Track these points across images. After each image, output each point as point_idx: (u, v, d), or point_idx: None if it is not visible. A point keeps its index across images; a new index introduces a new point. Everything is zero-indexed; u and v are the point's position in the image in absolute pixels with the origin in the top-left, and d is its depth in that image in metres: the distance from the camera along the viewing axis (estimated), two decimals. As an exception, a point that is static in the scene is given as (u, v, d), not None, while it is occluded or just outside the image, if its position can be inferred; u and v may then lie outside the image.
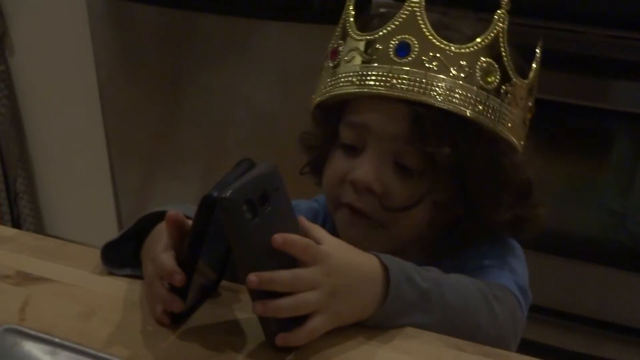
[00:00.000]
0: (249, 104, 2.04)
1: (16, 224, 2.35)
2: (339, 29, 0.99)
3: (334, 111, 0.98)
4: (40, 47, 2.22)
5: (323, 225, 1.10)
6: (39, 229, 2.41)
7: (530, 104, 0.98)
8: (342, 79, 0.95)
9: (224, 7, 1.96)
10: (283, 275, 0.75)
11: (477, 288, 0.88)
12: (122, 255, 0.94)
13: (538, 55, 0.98)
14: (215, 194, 0.73)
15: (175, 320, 0.84)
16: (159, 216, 0.91)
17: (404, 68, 0.91)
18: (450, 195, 0.95)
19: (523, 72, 0.95)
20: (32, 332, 0.60)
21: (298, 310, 0.75)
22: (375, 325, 0.82)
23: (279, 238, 0.75)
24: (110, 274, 0.94)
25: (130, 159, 2.26)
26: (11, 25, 2.21)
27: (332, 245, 0.79)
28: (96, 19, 2.10)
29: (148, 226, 0.92)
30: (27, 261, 0.96)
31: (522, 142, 0.97)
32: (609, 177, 1.77)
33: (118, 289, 0.91)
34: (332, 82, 0.96)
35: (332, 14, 1.82)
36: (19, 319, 0.86)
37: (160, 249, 0.81)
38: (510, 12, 1.58)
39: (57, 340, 0.59)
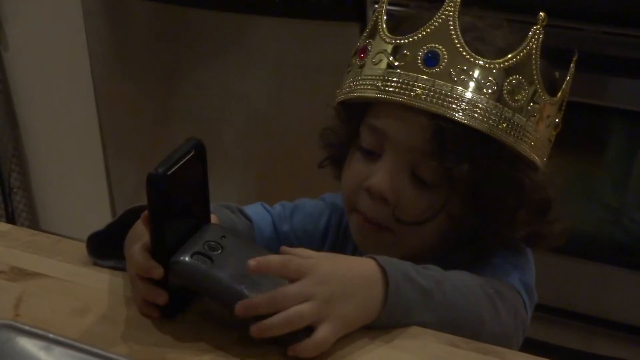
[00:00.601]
0: (244, 100, 2.04)
1: (11, 219, 2.35)
2: (369, 26, 0.97)
3: (357, 110, 0.97)
4: (34, 42, 2.21)
5: (329, 223, 1.11)
6: (34, 224, 2.41)
7: (557, 120, 0.96)
8: (367, 81, 0.93)
9: (218, 2, 1.96)
10: (266, 296, 0.75)
11: (478, 284, 0.87)
12: (107, 247, 0.93)
13: (572, 70, 0.96)
14: (160, 171, 0.75)
15: (166, 313, 0.83)
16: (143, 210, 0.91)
17: (431, 79, 0.89)
18: (465, 210, 0.93)
19: (553, 87, 0.93)
20: (27, 328, 0.60)
21: (292, 324, 0.74)
22: (380, 326, 0.81)
23: (252, 262, 0.75)
24: (96, 264, 0.94)
25: (125, 154, 2.26)
26: (5, 20, 2.20)
27: (319, 256, 0.80)
28: (91, 14, 2.09)
29: (133, 219, 0.91)
30: (21, 256, 0.96)
31: (544, 159, 0.95)
32: (605, 174, 1.77)
33: (113, 285, 0.90)
34: (357, 83, 0.95)
35: (327, 10, 1.83)
36: (14, 314, 0.85)
37: (136, 249, 0.81)
38: (509, 9, 1.59)
39: (51, 335, 0.59)
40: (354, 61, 0.97)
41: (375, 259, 0.81)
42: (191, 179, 0.82)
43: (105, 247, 0.94)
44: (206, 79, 2.06)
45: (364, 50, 0.95)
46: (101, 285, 0.91)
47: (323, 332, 0.75)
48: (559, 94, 0.94)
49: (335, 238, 1.11)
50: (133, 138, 2.23)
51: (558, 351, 1.77)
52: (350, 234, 1.02)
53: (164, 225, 0.79)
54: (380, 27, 0.94)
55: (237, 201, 1.13)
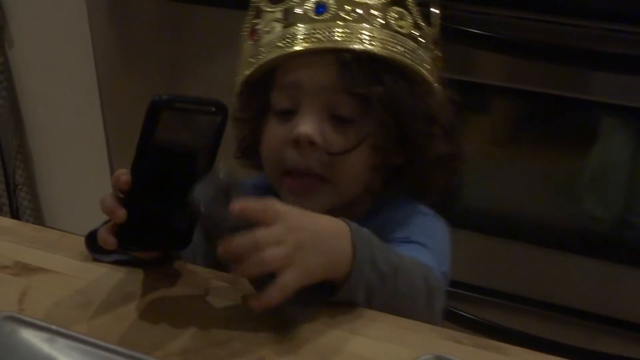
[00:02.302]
0: (248, 97, 2.04)
1: (15, 215, 2.35)
2: (252, 10, 1.03)
3: (262, 83, 1.01)
4: (39, 39, 2.21)
5: None
6: (38, 220, 2.41)
7: (438, 54, 1.04)
8: (267, 48, 0.99)
9: (223, -1, 1.96)
10: (243, 238, 0.76)
11: (422, 276, 0.90)
12: None
13: (438, 11, 1.05)
14: (163, 98, 0.77)
15: (122, 242, 0.83)
16: None
17: (326, 23, 0.96)
18: (387, 138, 0.99)
19: (428, 19, 1.02)
20: (30, 320, 0.60)
21: (265, 265, 0.76)
22: (341, 296, 0.83)
23: (236, 205, 0.76)
24: (97, 261, 0.94)
25: (129, 151, 2.25)
26: (10, 17, 2.21)
27: (290, 207, 0.81)
28: (95, 10, 2.10)
29: None
30: (25, 252, 0.96)
31: (438, 86, 1.03)
32: (600, 169, 1.77)
33: (116, 280, 0.91)
34: (258, 55, 1.00)
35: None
36: (18, 309, 0.86)
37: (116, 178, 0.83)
38: (496, 4, 1.59)
39: (54, 327, 0.60)
40: (246, 45, 1.03)
41: (346, 222, 0.83)
42: (198, 136, 0.81)
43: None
44: (211, 76, 2.06)
45: (253, 30, 1.01)
46: (104, 280, 0.91)
47: (286, 277, 0.77)
48: (434, 24, 1.03)
49: None
50: (137, 135, 2.22)
51: (562, 348, 1.77)
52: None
53: (146, 159, 0.80)
54: (262, 5, 1.01)
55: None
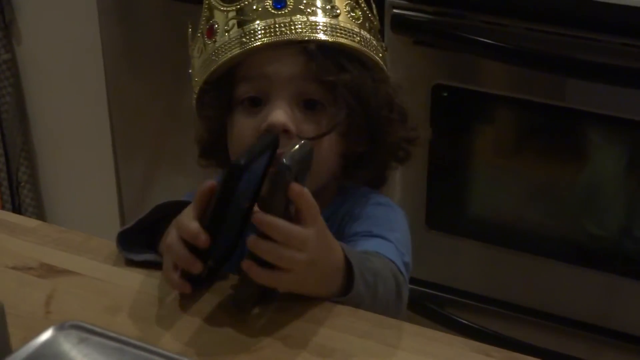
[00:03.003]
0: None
1: (17, 213, 2.34)
2: (205, 10, 1.03)
3: (223, 79, 1.01)
4: (47, 37, 2.20)
5: None
6: (40, 218, 2.40)
7: (384, 46, 1.07)
8: (228, 45, 0.98)
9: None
10: (282, 224, 0.79)
11: (392, 274, 0.94)
12: (137, 242, 0.96)
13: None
14: (243, 162, 0.78)
15: (195, 286, 0.86)
16: (175, 205, 0.94)
17: (287, 17, 0.97)
18: (353, 125, 1.01)
19: (372, 8, 1.06)
20: (98, 329, 0.60)
21: (277, 260, 0.79)
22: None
23: (297, 187, 0.79)
24: (129, 262, 0.95)
25: (135, 151, 2.25)
26: (19, 13, 2.20)
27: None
28: (105, 10, 2.09)
29: (164, 215, 0.95)
30: (50, 253, 0.96)
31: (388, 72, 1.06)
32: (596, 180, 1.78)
33: (144, 284, 0.91)
34: (218, 53, 0.99)
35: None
36: (45, 311, 0.86)
37: (186, 216, 0.85)
38: (480, 10, 1.60)
39: (124, 338, 0.59)
40: (200, 47, 1.03)
41: (345, 253, 0.86)
42: (257, 171, 0.85)
43: (135, 242, 0.95)
44: (218, 78, 2.06)
45: (211, 30, 1.01)
46: (132, 284, 0.91)
47: (282, 278, 0.81)
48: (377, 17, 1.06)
49: None
50: (143, 135, 2.22)
51: (563, 359, 1.78)
52: None
53: (227, 207, 0.83)
54: (216, 4, 1.01)
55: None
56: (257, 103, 0.99)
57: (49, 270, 0.93)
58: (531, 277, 1.83)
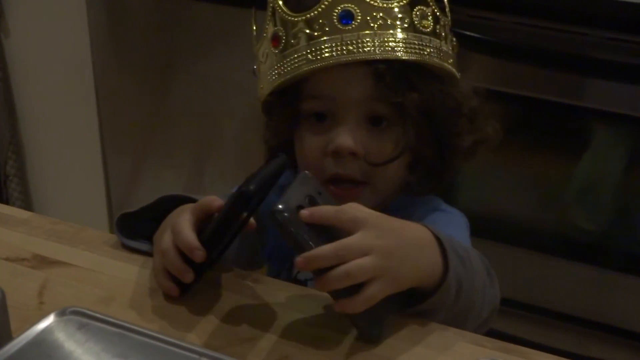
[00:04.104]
0: (244, 94, 2.02)
1: (4, 206, 2.33)
2: (269, 15, 1.00)
3: (290, 92, 1.00)
4: (36, 30, 2.19)
5: None
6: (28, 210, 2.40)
7: (454, 39, 1.03)
8: (295, 60, 0.97)
9: (220, -4, 1.95)
10: (326, 248, 0.75)
11: (478, 256, 0.91)
12: (136, 229, 0.96)
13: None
14: (252, 189, 0.78)
15: (183, 291, 0.86)
16: (180, 200, 0.94)
17: (354, 33, 0.94)
18: (421, 138, 0.99)
19: (444, 8, 1.02)
20: (99, 315, 0.60)
21: (351, 278, 0.74)
22: (430, 306, 0.82)
23: (305, 212, 0.76)
24: (122, 251, 0.95)
25: (123, 145, 2.25)
26: (7, 7, 2.19)
27: (372, 212, 0.80)
28: (94, 6, 2.08)
29: (167, 207, 0.94)
30: (43, 244, 0.96)
31: (459, 74, 1.03)
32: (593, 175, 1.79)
33: (137, 275, 0.91)
34: (284, 66, 0.98)
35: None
36: (38, 302, 0.86)
37: (185, 224, 0.84)
38: (497, 10, 1.61)
39: (125, 323, 0.60)
40: (266, 51, 1.01)
41: (426, 226, 0.83)
42: (263, 193, 0.85)
43: (133, 228, 0.96)
44: (206, 73, 2.06)
45: (276, 37, 0.98)
46: (125, 275, 0.91)
47: (373, 290, 0.76)
48: (448, 12, 1.03)
49: None
50: (131, 129, 2.22)
51: (552, 353, 1.79)
52: None
53: (228, 228, 0.84)
54: (281, 12, 0.98)
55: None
56: (323, 118, 0.99)
57: (41, 261, 0.93)
58: (516, 270, 1.84)
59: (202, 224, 0.85)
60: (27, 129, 2.33)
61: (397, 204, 1.05)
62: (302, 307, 0.86)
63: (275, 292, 0.88)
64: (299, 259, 0.75)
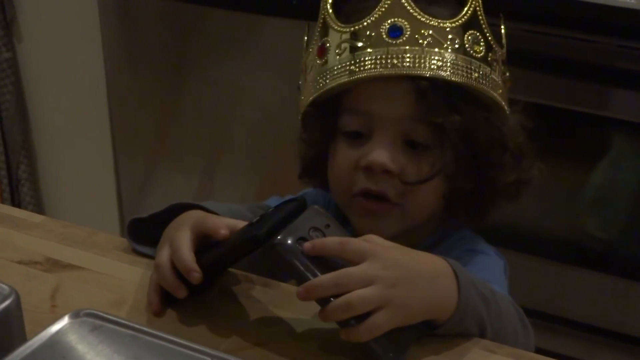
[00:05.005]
0: (255, 100, 2.04)
1: (16, 211, 2.34)
2: (319, 26, 0.98)
3: (330, 105, 0.98)
4: (48, 35, 2.21)
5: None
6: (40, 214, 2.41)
7: (507, 73, 1.00)
8: (337, 70, 0.94)
9: (232, 2, 1.96)
10: (325, 277, 0.74)
11: (510, 303, 0.89)
12: (146, 234, 0.95)
13: (503, 30, 1.01)
14: (263, 232, 0.77)
15: (166, 303, 0.86)
16: (192, 209, 0.93)
17: (401, 47, 0.92)
18: (459, 167, 0.96)
19: (500, 39, 0.99)
20: (112, 317, 0.61)
21: (353, 308, 0.73)
22: (446, 331, 0.81)
23: (308, 245, 0.75)
24: (133, 255, 0.95)
25: (134, 150, 2.26)
26: (20, 11, 2.20)
27: (385, 243, 0.79)
28: (106, 9, 2.10)
29: (178, 215, 0.93)
30: (55, 248, 0.97)
31: (509, 109, 0.99)
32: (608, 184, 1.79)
33: (146, 278, 0.90)
34: (326, 76, 0.96)
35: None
36: (50, 305, 0.87)
37: (184, 242, 0.83)
38: (517, 18, 1.61)
39: (137, 325, 0.60)
40: (311, 63, 0.99)
41: (444, 259, 0.81)
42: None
43: (143, 233, 0.95)
44: (218, 78, 2.06)
45: (322, 48, 0.96)
46: (136, 278, 0.91)
47: (378, 319, 0.74)
48: (504, 45, 0.99)
49: None
50: (143, 134, 2.23)
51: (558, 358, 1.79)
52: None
53: (231, 261, 0.84)
54: (330, 22, 0.96)
55: (243, 201, 1.14)
56: (359, 136, 0.96)
57: (54, 265, 0.93)
58: (525, 277, 1.83)
59: (202, 242, 0.84)
60: (39, 133, 2.35)
61: (432, 241, 1.02)
62: (313, 312, 0.86)
63: (286, 296, 0.88)
64: (299, 289, 0.74)
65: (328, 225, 0.80)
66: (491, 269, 1.01)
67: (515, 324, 0.88)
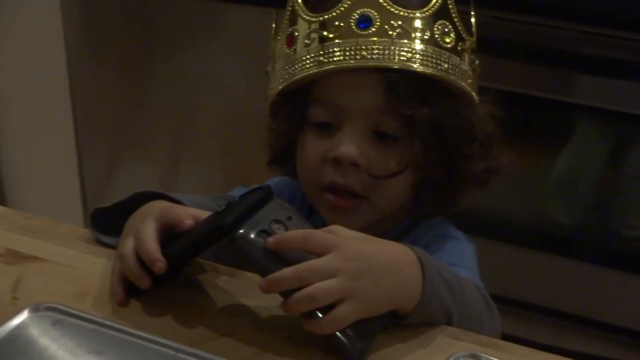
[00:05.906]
0: (220, 88, 2.03)
1: (-22, 202, 2.32)
2: (287, 14, 0.98)
3: (299, 95, 0.97)
4: (8, 23, 2.18)
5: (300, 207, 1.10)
6: (2, 205, 2.38)
7: (477, 62, 1.00)
8: (306, 61, 0.94)
9: (195, -11, 1.95)
10: (287, 270, 0.74)
11: (475, 287, 0.89)
12: (110, 224, 0.94)
13: (474, 18, 1.01)
14: (229, 221, 0.76)
15: (132, 294, 0.85)
16: (155, 197, 0.92)
17: (371, 39, 0.91)
18: (428, 157, 0.96)
19: (470, 28, 0.99)
20: (74, 311, 0.60)
21: (315, 300, 0.73)
22: (412, 322, 0.81)
23: (271, 240, 0.75)
24: (96, 245, 0.94)
25: (98, 140, 2.24)
26: (-21, 0, 2.17)
27: (349, 234, 0.78)
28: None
29: (142, 203, 0.92)
30: (17, 239, 0.95)
31: (478, 98, 1.00)
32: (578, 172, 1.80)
33: (110, 270, 0.89)
34: (294, 67, 0.95)
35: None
36: (11, 297, 0.85)
37: (148, 232, 0.82)
38: (487, 5, 1.61)
39: (99, 319, 0.59)
40: (280, 51, 0.98)
41: (410, 247, 0.80)
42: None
43: (106, 223, 0.94)
44: (182, 67, 2.05)
45: (291, 37, 0.96)
46: (99, 270, 0.90)
47: (342, 311, 0.74)
48: (474, 33, 0.99)
49: None
50: (106, 123, 2.21)
51: (528, 345, 1.79)
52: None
53: (196, 251, 0.83)
54: (299, 10, 0.96)
55: (208, 191, 1.13)
56: (328, 127, 0.96)
57: (15, 256, 0.92)
58: (496, 263, 1.85)
59: (166, 233, 0.83)
60: (0, 124, 2.31)
61: (401, 228, 1.02)
62: (280, 301, 0.85)
63: (251, 286, 0.87)
64: (261, 282, 0.74)
65: (290, 218, 0.79)
66: (462, 253, 1.01)
67: (481, 308, 0.88)
